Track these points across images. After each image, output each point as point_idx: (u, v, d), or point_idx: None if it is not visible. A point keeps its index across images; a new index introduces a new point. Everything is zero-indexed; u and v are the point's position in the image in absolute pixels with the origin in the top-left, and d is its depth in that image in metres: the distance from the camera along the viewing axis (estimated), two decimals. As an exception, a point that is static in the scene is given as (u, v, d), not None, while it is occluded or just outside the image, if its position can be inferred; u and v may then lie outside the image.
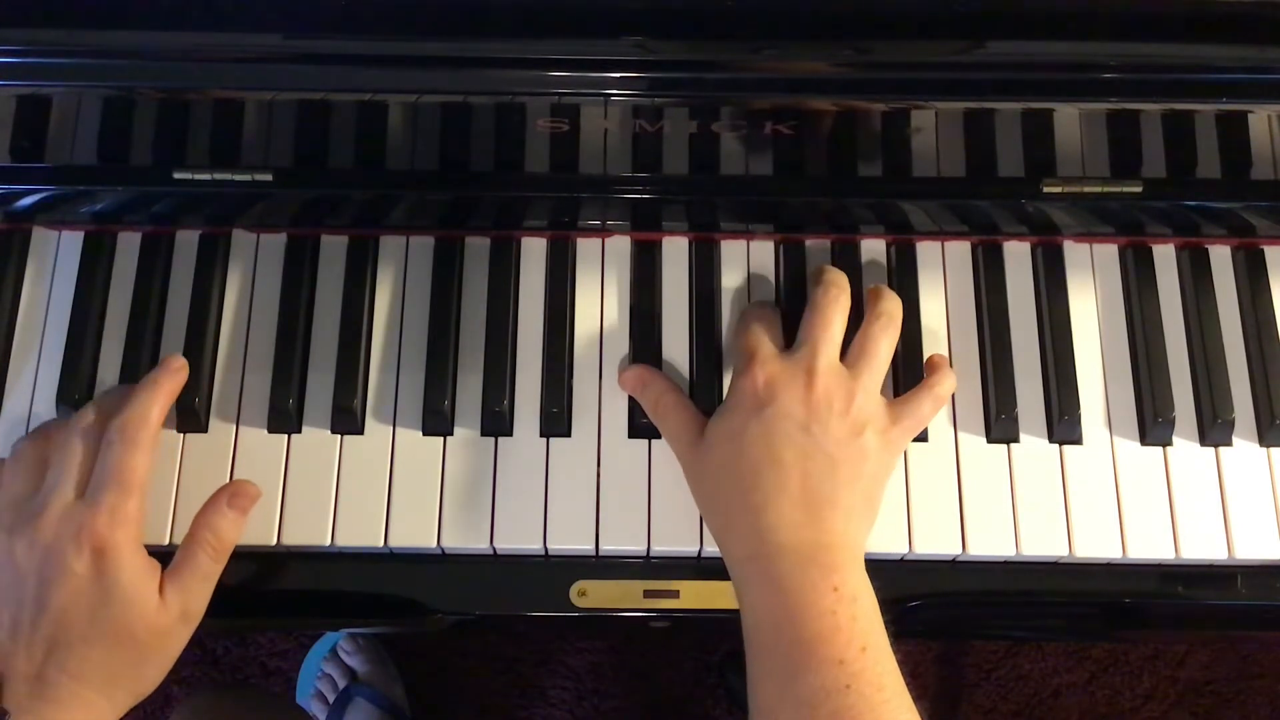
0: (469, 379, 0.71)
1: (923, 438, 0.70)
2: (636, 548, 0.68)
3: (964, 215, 0.73)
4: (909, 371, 0.71)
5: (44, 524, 0.61)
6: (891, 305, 0.68)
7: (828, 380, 0.63)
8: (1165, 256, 0.75)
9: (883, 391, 0.66)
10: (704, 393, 0.70)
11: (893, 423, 0.64)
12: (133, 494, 0.62)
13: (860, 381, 0.64)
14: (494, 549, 0.68)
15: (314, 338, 0.72)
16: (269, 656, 1.36)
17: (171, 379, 0.67)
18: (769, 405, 0.62)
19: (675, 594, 0.66)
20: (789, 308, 0.72)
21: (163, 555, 0.64)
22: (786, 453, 0.61)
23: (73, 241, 0.74)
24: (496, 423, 0.70)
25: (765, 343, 0.66)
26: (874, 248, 0.74)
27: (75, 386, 0.70)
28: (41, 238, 0.75)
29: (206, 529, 0.64)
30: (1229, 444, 0.70)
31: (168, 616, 0.62)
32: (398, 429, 0.70)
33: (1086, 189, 0.69)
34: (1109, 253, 0.75)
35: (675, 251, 0.74)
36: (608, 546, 0.68)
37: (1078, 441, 0.70)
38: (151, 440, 0.64)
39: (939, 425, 0.71)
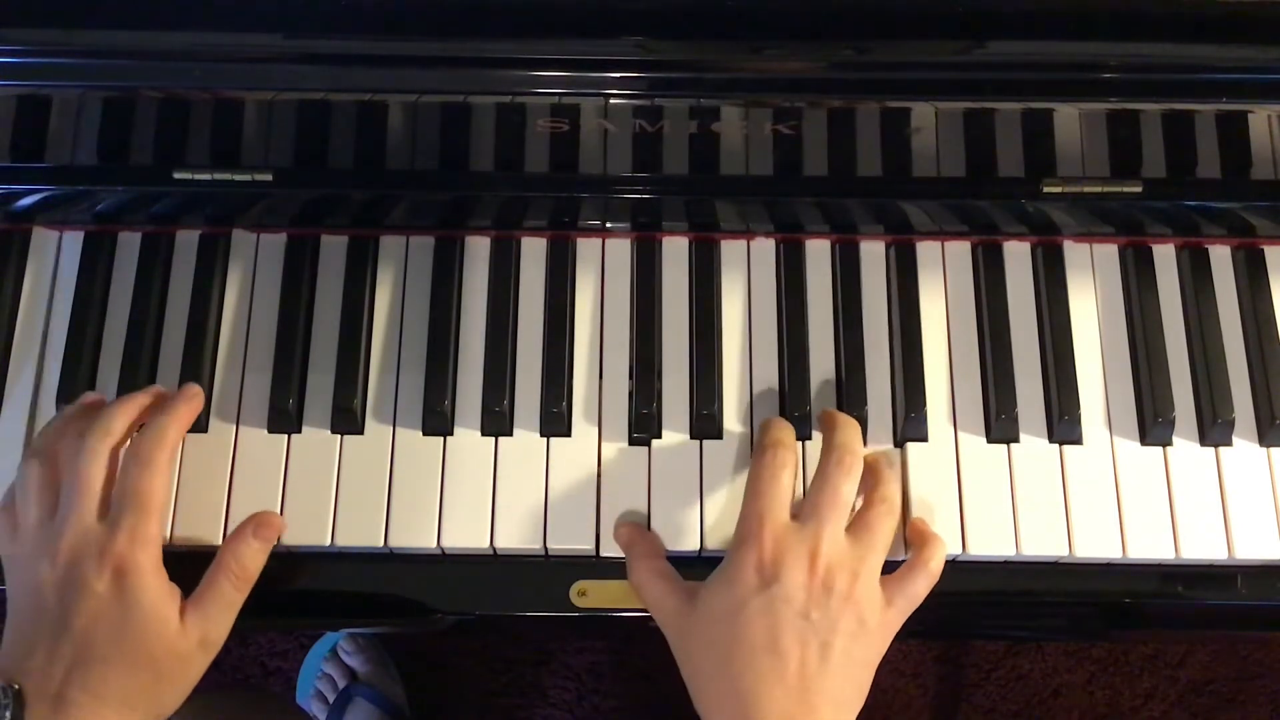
0: (469, 379, 0.71)
1: (923, 437, 0.70)
2: (636, 548, 0.68)
3: (964, 215, 0.73)
4: (909, 385, 0.71)
5: (64, 546, 0.61)
6: (893, 491, 0.66)
7: (832, 562, 0.61)
8: (1165, 256, 0.75)
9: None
10: (704, 395, 0.70)
11: (889, 604, 0.63)
12: (153, 515, 0.62)
13: (865, 564, 0.62)
14: (494, 549, 0.68)
15: (314, 338, 0.72)
16: (269, 656, 1.36)
17: (188, 404, 0.67)
18: (772, 585, 0.60)
19: (675, 594, 0.66)
20: (786, 309, 0.72)
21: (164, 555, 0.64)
22: (785, 639, 0.59)
23: (73, 241, 0.74)
24: (496, 423, 0.70)
25: (775, 510, 0.62)
26: (874, 248, 0.74)
27: (75, 387, 0.70)
28: (41, 238, 0.75)
29: (232, 557, 0.64)
30: (1229, 444, 0.70)
31: (187, 642, 0.62)
32: (398, 429, 0.70)
33: (1086, 189, 0.69)
34: (1109, 253, 0.75)
35: (675, 251, 0.74)
36: (608, 546, 0.68)
37: (1078, 441, 0.70)
38: (168, 463, 0.64)
39: (939, 425, 0.71)
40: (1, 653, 0.61)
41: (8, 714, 0.57)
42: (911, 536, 0.67)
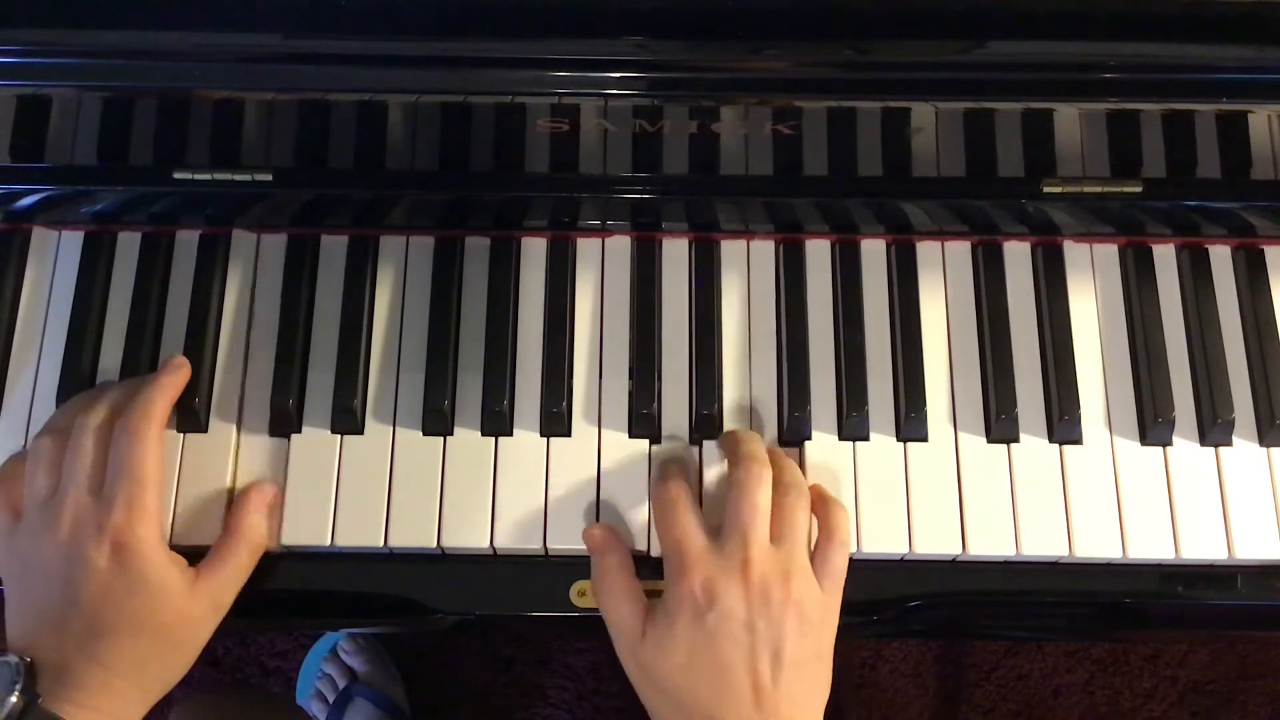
0: (469, 379, 0.71)
1: (923, 437, 0.70)
2: (636, 548, 0.68)
3: (964, 215, 0.73)
4: (909, 385, 0.71)
5: (63, 523, 0.62)
6: (795, 475, 0.66)
7: (764, 570, 0.61)
8: (1165, 256, 0.75)
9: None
10: (704, 395, 0.71)
11: (822, 588, 0.63)
12: (147, 487, 0.63)
13: (794, 561, 0.62)
14: (494, 549, 0.68)
15: (314, 338, 0.72)
16: (269, 656, 1.36)
17: (173, 375, 0.68)
18: (710, 610, 0.60)
19: (675, 594, 0.66)
20: (786, 309, 0.72)
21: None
22: (736, 657, 0.60)
23: (73, 241, 0.74)
24: (496, 423, 0.70)
25: (691, 535, 0.62)
26: (874, 248, 0.74)
27: (75, 386, 0.70)
28: (41, 238, 0.75)
29: (245, 524, 0.66)
30: (1229, 444, 0.70)
31: (198, 606, 0.63)
32: (398, 429, 0.70)
33: (1086, 189, 0.69)
34: (1109, 253, 0.75)
35: (675, 251, 0.74)
36: (608, 546, 0.68)
37: (1078, 441, 0.70)
38: (158, 434, 0.65)
39: (939, 425, 0.71)
40: (11, 628, 0.62)
41: (19, 686, 0.58)
42: (816, 503, 0.66)
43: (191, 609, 0.63)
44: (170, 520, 0.68)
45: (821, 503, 0.66)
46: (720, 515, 0.64)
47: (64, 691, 0.59)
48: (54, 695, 0.59)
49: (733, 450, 0.66)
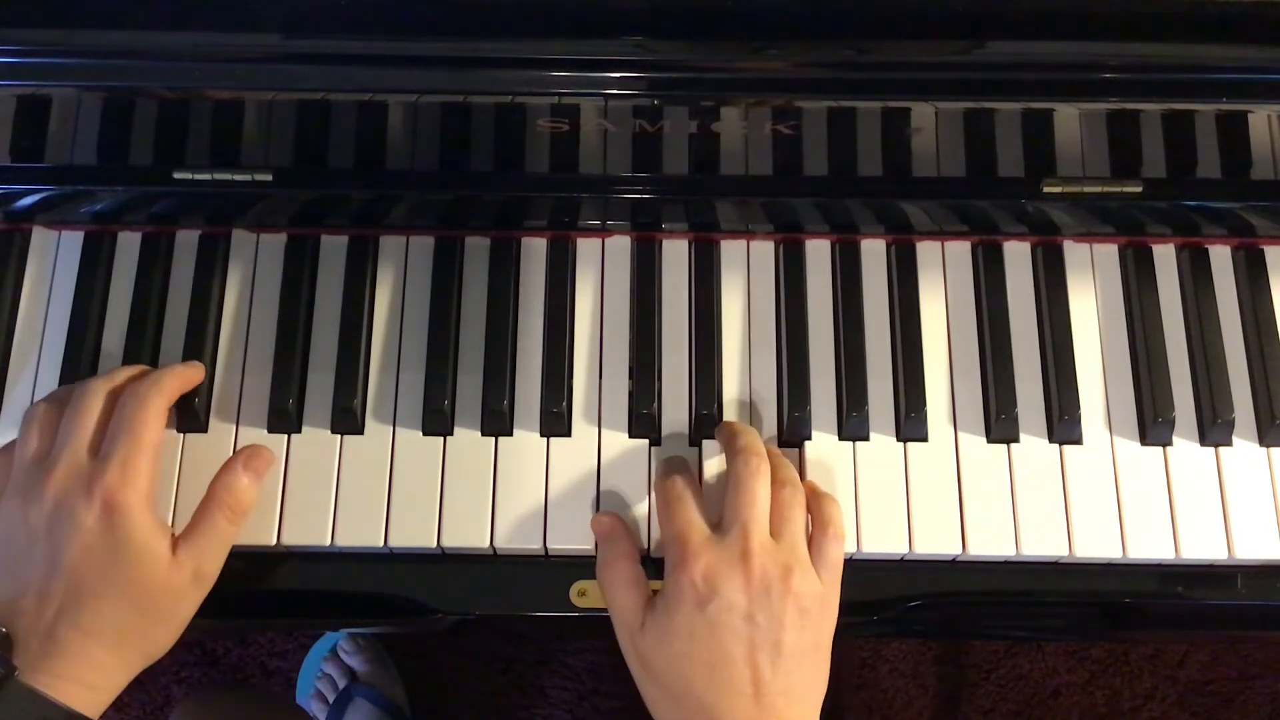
0: (469, 379, 0.71)
1: (923, 437, 0.70)
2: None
3: (964, 215, 0.73)
4: (909, 385, 0.71)
5: (54, 479, 0.62)
6: (790, 470, 0.66)
7: (764, 562, 0.61)
8: (1165, 256, 0.75)
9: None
10: (704, 395, 0.71)
11: (820, 581, 0.63)
12: (144, 450, 0.62)
13: (794, 554, 0.62)
14: (494, 549, 0.68)
15: (314, 338, 0.72)
16: (269, 656, 1.36)
17: (186, 368, 0.69)
18: (711, 600, 0.60)
19: (675, 594, 0.66)
20: (786, 309, 0.72)
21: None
22: (735, 649, 0.60)
23: (73, 241, 0.74)
24: (496, 423, 0.70)
25: (694, 526, 0.63)
26: (874, 248, 0.74)
27: (75, 386, 0.70)
28: (41, 238, 0.75)
29: (224, 489, 0.65)
30: (1229, 444, 0.70)
31: (180, 576, 0.62)
32: (398, 429, 0.70)
33: (1086, 189, 0.70)
34: (1109, 253, 0.75)
35: (675, 251, 0.74)
36: (608, 546, 0.68)
37: (1078, 441, 0.70)
38: (163, 407, 0.65)
39: (939, 425, 0.71)
40: None
41: None
42: (810, 499, 0.66)
43: (173, 579, 0.62)
44: (171, 520, 0.68)
45: (815, 497, 0.67)
46: (720, 510, 0.64)
47: (43, 662, 0.59)
48: (32, 666, 0.58)
49: (730, 443, 0.66)
